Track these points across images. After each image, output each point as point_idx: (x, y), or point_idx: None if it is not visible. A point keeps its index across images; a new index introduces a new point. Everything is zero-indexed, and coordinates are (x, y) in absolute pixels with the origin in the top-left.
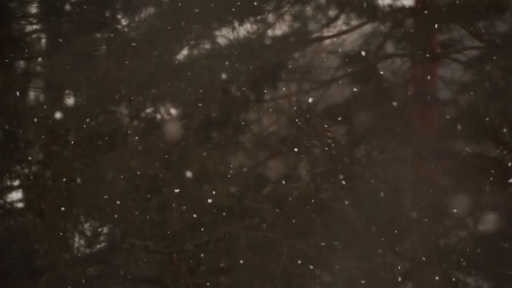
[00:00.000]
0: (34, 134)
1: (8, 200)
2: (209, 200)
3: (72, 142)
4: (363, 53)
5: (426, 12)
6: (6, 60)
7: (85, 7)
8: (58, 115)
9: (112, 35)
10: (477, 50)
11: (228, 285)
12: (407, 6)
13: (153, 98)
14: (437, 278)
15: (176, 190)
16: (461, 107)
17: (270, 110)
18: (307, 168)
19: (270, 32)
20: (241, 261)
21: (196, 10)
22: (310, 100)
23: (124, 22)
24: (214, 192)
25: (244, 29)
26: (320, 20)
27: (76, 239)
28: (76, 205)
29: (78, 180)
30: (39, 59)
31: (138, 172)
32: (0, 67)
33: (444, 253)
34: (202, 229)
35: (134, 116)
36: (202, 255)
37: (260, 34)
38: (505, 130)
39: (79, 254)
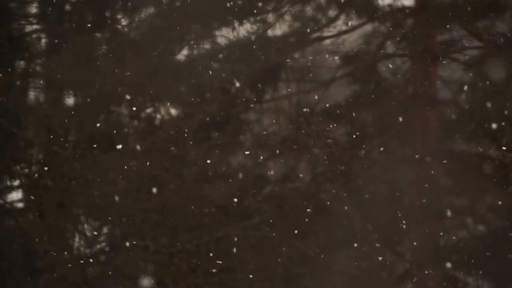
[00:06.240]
0: (34, 134)
1: (8, 200)
2: (209, 200)
3: (72, 142)
4: (362, 54)
5: (426, 12)
6: (6, 60)
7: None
8: (58, 115)
9: (112, 35)
10: (477, 50)
11: (228, 285)
12: (407, 6)
13: (153, 98)
14: (437, 278)
15: (176, 190)
16: (461, 107)
17: (270, 110)
18: (307, 168)
19: (270, 32)
20: (241, 261)
21: (196, 10)
22: (310, 100)
23: (124, 22)
24: (214, 192)
25: (244, 29)
26: (320, 20)
27: (76, 239)
28: (76, 205)
29: (78, 180)
30: (39, 59)
31: (138, 172)
32: (0, 67)
33: (444, 253)
34: (202, 229)
35: (134, 116)
36: (202, 255)
37: (260, 34)
38: (505, 130)
39: (79, 254)
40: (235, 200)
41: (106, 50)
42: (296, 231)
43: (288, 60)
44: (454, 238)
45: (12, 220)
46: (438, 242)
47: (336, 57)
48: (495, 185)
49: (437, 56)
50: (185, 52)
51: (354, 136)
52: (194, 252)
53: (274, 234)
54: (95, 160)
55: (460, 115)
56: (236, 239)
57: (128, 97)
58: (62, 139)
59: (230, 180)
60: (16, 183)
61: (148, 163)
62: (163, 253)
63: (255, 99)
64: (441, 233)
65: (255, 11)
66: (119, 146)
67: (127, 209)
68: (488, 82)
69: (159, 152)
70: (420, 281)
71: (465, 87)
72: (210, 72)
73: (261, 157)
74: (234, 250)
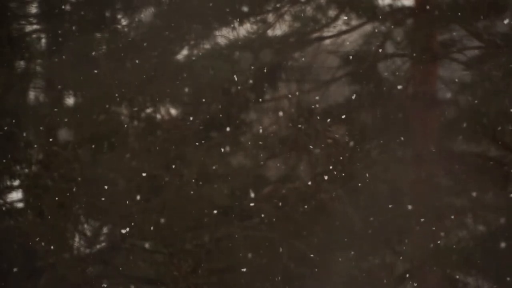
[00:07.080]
0: (34, 134)
1: (8, 200)
2: (209, 200)
3: (72, 142)
4: (362, 54)
5: (426, 12)
6: (6, 60)
7: (85, 7)
8: (58, 115)
9: (112, 35)
10: (477, 50)
11: (228, 285)
12: (407, 6)
13: (153, 98)
14: (437, 278)
15: (176, 190)
16: (461, 107)
17: (270, 110)
18: (307, 168)
19: (270, 32)
20: (241, 261)
21: (196, 10)
22: (310, 100)
23: (124, 22)
24: (214, 192)
25: (244, 29)
26: (320, 20)
27: (76, 239)
28: (76, 205)
29: (78, 180)
30: (39, 59)
31: (138, 172)
32: (0, 67)
33: (444, 253)
34: (202, 229)
35: (134, 116)
36: (202, 255)
37: (260, 34)
38: (505, 130)
39: (79, 254)
40: (235, 200)
41: (106, 50)
42: (296, 231)
43: (288, 61)
44: (454, 238)
45: (12, 220)
46: (438, 242)
47: (336, 57)
48: (495, 185)
49: (437, 56)
50: (185, 52)
51: (354, 136)
52: (194, 252)
53: (274, 234)
54: (95, 160)
55: (460, 115)
56: (236, 239)
57: (128, 97)
58: (62, 139)
59: (230, 180)
60: (16, 183)
61: (148, 163)
62: (163, 253)
63: (255, 99)
64: (441, 233)
65: (255, 11)
66: (119, 146)
67: (127, 209)
68: (488, 82)
69: (159, 152)
70: (420, 281)
71: (465, 87)
72: (210, 72)
73: (261, 157)
74: (234, 250)
